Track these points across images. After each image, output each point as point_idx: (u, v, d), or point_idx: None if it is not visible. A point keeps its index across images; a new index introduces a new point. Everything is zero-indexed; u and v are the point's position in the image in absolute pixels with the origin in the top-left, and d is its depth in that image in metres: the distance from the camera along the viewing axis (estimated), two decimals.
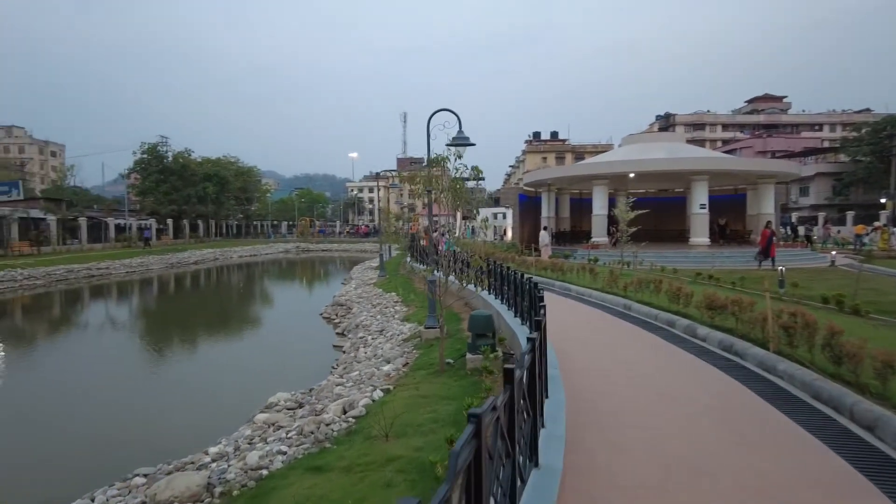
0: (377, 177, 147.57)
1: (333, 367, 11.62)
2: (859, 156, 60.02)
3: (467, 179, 8.86)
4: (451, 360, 8.86)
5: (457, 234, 45.47)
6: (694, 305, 9.93)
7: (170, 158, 67.81)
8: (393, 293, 18.14)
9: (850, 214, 49.05)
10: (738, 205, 34.11)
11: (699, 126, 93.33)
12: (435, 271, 13.34)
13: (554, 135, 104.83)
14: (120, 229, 54.56)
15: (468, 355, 8.39)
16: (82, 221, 48.83)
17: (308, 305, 24.97)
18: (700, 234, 27.54)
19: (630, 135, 33.38)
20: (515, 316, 9.88)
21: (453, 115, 10.89)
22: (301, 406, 8.58)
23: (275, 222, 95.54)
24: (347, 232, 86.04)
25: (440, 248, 37.64)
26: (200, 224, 69.27)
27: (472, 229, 47.82)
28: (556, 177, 31.17)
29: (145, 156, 66.20)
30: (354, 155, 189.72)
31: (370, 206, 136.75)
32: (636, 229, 18.68)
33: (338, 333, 15.90)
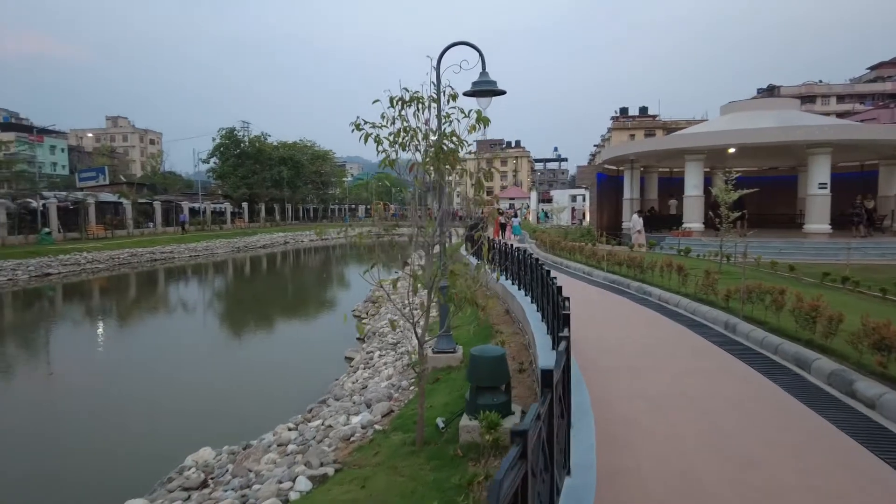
0: None
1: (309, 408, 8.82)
2: None
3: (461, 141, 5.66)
4: (444, 423, 5.86)
5: (527, 218, 41.96)
6: (847, 338, 6.18)
7: (246, 143, 68.57)
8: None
9: None
10: (866, 184, 28.32)
11: (809, 98, 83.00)
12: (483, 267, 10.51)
13: (643, 110, 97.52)
14: (194, 213, 55.34)
15: (464, 418, 5.36)
16: (156, 205, 49.59)
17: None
18: (818, 220, 22.58)
19: (732, 102, 28.36)
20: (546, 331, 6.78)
21: (475, 52, 7.74)
22: (205, 485, 5.91)
23: (352, 206, 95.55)
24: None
25: (508, 233, 34.51)
26: (276, 208, 69.65)
27: (546, 214, 43.96)
28: (641, 151, 26.90)
29: (223, 140, 67.29)
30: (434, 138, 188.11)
31: (448, 190, 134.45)
32: (739, 214, 14.62)
33: (358, 339, 13.26)
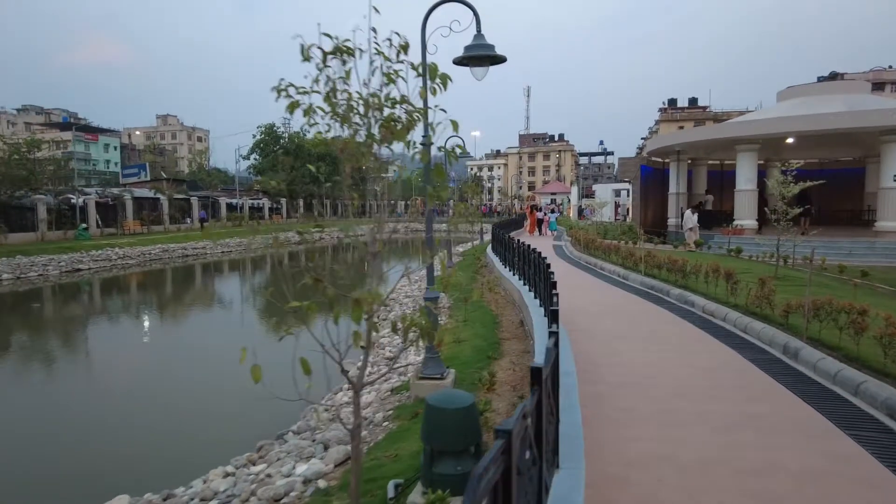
0: (497, 154, 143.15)
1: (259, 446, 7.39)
2: None
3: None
4: (397, 488, 4.46)
5: (568, 214, 40.00)
6: None
7: (286, 139, 68.86)
8: (442, 293, 13.96)
9: None
10: None
11: (878, 85, 77.16)
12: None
13: (692, 101, 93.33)
14: (232, 208, 55.57)
15: (418, 489, 3.98)
16: (194, 201, 49.86)
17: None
18: (892, 217, 20.05)
19: (791, 87, 25.76)
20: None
21: (469, 10, 6.30)
22: None
23: (392, 202, 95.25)
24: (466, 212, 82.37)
25: (545, 228, 32.82)
26: (315, 204, 69.57)
27: (581, 209, 41.84)
28: (689, 141, 24.71)
29: (263, 136, 67.75)
30: (477, 133, 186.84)
31: (489, 185, 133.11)
32: (802, 210, 12.67)
33: (361, 346, 11.98)
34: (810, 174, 14.61)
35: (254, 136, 68.67)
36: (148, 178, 56.01)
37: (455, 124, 3.81)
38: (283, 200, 64.02)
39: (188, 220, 48.68)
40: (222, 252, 39.18)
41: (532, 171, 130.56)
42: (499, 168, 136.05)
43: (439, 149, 9.85)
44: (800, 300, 7.16)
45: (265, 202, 61.69)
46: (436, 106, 3.68)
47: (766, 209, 14.36)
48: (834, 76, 78.03)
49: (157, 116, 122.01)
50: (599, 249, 17.16)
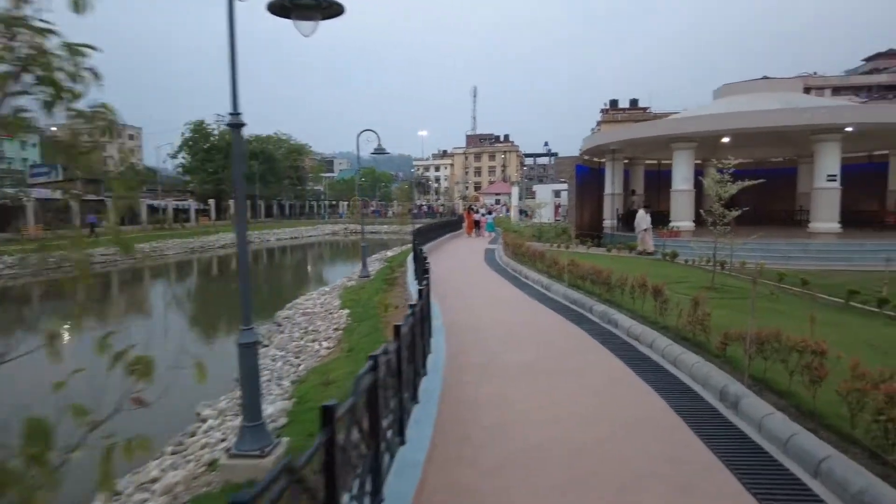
0: (444, 154, 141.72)
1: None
2: None
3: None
4: None
5: (508, 215, 38.83)
6: None
7: (216, 136, 65.19)
8: (347, 309, 12.04)
9: None
10: (875, 177, 25.34)
11: (804, 90, 79.93)
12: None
13: (633, 103, 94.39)
14: (154, 210, 51.86)
15: None
16: (109, 203, 46.00)
17: (261, 315, 18.99)
18: (826, 218, 19.49)
19: (727, 84, 25.17)
20: None
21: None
22: None
23: (333, 202, 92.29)
24: (402, 213, 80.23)
25: (482, 229, 31.48)
26: (248, 204, 66.11)
27: (523, 211, 40.79)
28: (624, 140, 23.68)
29: (192, 134, 63.85)
30: (424, 133, 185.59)
31: (436, 185, 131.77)
32: (739, 212, 11.49)
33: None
34: (745, 174, 13.62)
35: (182, 134, 64.69)
36: (60, 178, 51.47)
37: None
38: (212, 202, 60.42)
39: (103, 223, 44.86)
40: (134, 259, 35.86)
41: (478, 172, 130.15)
42: (445, 168, 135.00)
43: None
44: (740, 331, 5.69)
45: (191, 203, 57.97)
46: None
47: (701, 211, 13.20)
48: (765, 80, 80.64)
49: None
50: (525, 255, 15.66)
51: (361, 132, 15.83)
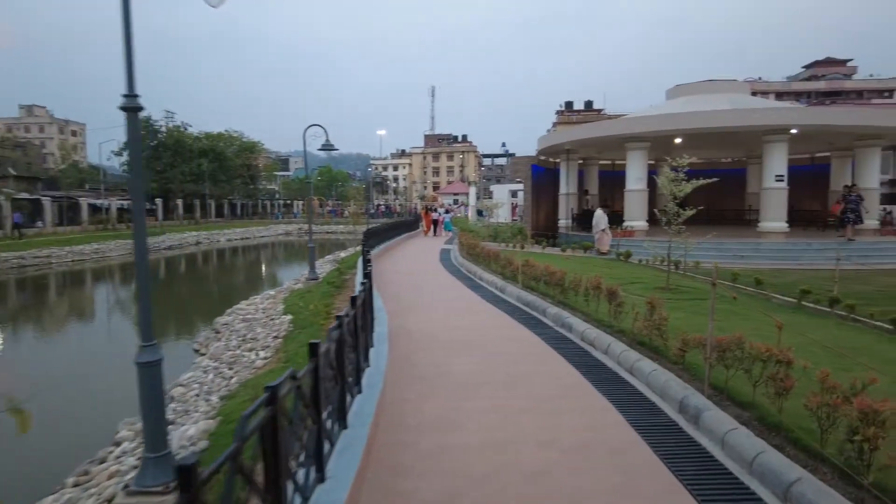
0: (402, 154, 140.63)
1: None
2: None
3: None
4: None
5: (466, 215, 38.45)
6: None
7: (164, 133, 62.64)
8: (290, 315, 11.32)
9: None
10: (818, 179, 26.09)
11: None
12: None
13: (588, 105, 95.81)
14: (96, 210, 49.31)
15: None
16: (46, 202, 43.45)
17: (200, 321, 17.90)
18: (775, 217, 19.80)
19: (679, 85, 25.43)
20: None
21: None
22: None
23: (287, 202, 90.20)
24: (356, 213, 78.79)
25: (440, 229, 31.09)
26: (197, 204, 63.72)
27: (480, 211, 40.58)
28: (578, 139, 23.59)
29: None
30: (382, 132, 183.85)
31: (394, 185, 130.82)
32: (694, 211, 11.34)
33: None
34: (697, 174, 13.55)
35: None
36: None
37: None
38: (159, 201, 57.94)
39: (40, 223, 42.37)
40: (73, 260, 33.85)
41: (437, 172, 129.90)
42: (404, 167, 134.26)
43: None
44: (699, 337, 5.35)
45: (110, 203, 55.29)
46: None
47: (655, 210, 13.06)
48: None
49: (20, 107, 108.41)
50: (480, 256, 15.25)
51: (308, 127, 15.10)
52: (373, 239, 19.32)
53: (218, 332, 12.05)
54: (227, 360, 9.30)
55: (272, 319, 11.73)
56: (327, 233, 60.84)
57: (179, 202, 60.40)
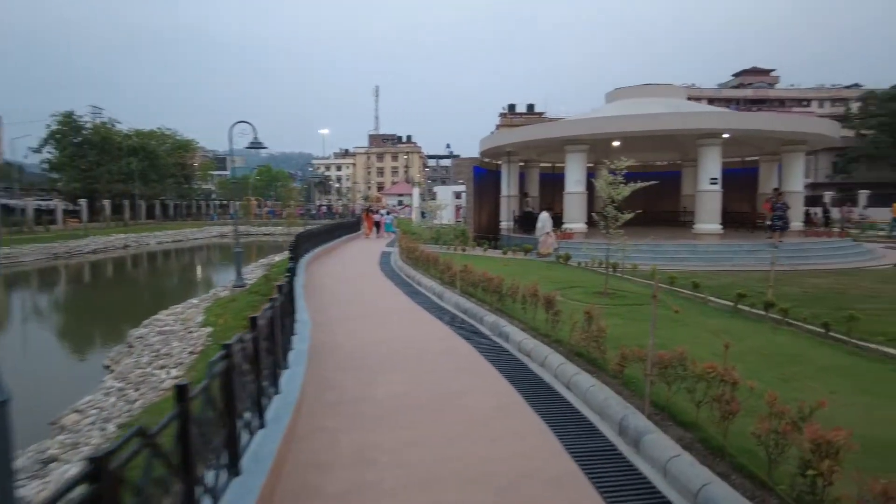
0: (346, 154, 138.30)
1: None
2: (863, 129, 54.18)
3: None
4: None
5: (409, 216, 37.69)
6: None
7: (90, 130, 58.90)
8: (211, 327, 10.46)
9: (862, 194, 42.64)
10: (747, 181, 27.01)
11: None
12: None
13: (530, 108, 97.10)
14: (9, 211, 45.78)
15: None
16: None
17: (113, 334, 16.46)
18: (709, 219, 20.23)
19: (618, 88, 25.74)
20: None
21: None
22: None
23: (223, 202, 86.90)
24: (291, 214, 76.43)
25: (382, 230, 30.48)
26: (126, 204, 60.26)
27: (423, 213, 40.15)
28: (519, 141, 23.47)
29: (60, 126, 57.12)
30: (325, 131, 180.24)
31: (338, 185, 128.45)
32: (632, 215, 11.22)
33: (51, 423, 8.04)
34: (634, 177, 13.53)
35: (48, 126, 57.73)
36: None
37: None
38: (84, 202, 54.46)
39: None
40: None
41: (381, 172, 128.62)
42: (347, 167, 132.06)
43: None
44: (639, 351, 5.01)
45: (58, 204, 51.83)
46: None
47: (594, 214, 12.91)
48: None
49: None
50: (420, 260, 14.73)
51: (235, 124, 14.16)
52: (307, 243, 18.46)
53: (131, 347, 11.02)
54: (134, 380, 8.40)
55: (190, 332, 10.82)
56: (265, 234, 58.90)
57: (107, 203, 56.96)
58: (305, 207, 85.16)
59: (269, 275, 15.67)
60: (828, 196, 45.11)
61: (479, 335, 8.28)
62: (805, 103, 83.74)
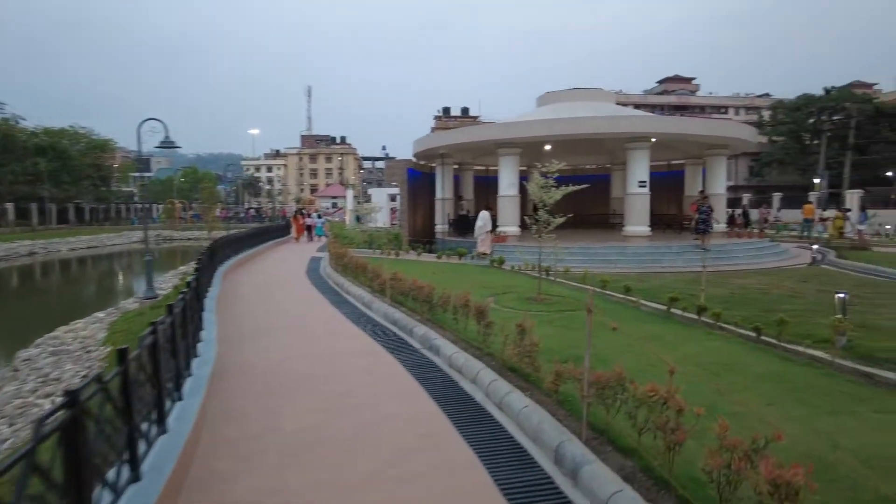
0: (277, 154, 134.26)
1: None
2: (774, 136, 57.66)
3: None
4: None
5: (344, 220, 36.48)
6: None
7: None
8: (112, 346, 9.40)
9: (776, 196, 45.15)
10: (674, 185, 27.83)
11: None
12: None
13: (465, 111, 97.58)
14: None
15: None
16: None
17: (5, 353, 14.98)
18: (638, 222, 20.52)
19: (549, 92, 25.86)
20: None
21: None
22: None
23: (146, 205, 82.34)
24: (226, 216, 73.27)
25: (312, 233, 29.39)
26: (34, 208, 55.69)
27: (357, 216, 39.24)
28: (453, 143, 23.09)
29: None
30: (255, 131, 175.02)
31: (268, 187, 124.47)
32: (564, 219, 10.99)
33: None
34: (565, 181, 13.38)
35: None
36: None
37: None
38: None
39: None
40: None
41: (314, 174, 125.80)
42: (279, 169, 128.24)
43: None
44: (575, 370, 4.61)
45: None
46: None
47: (526, 217, 12.64)
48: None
49: None
50: (349, 267, 14.02)
51: (143, 122, 12.95)
52: (228, 249, 17.35)
53: (16, 371, 9.73)
54: (10, 413, 7.29)
55: (89, 352, 9.69)
56: (189, 239, 55.98)
57: (10, 206, 52.45)
58: (234, 210, 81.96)
59: (179, 286, 14.50)
60: (746, 198, 47.54)
61: (407, 349, 7.73)
62: (723, 110, 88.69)
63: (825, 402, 5.27)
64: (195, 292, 7.00)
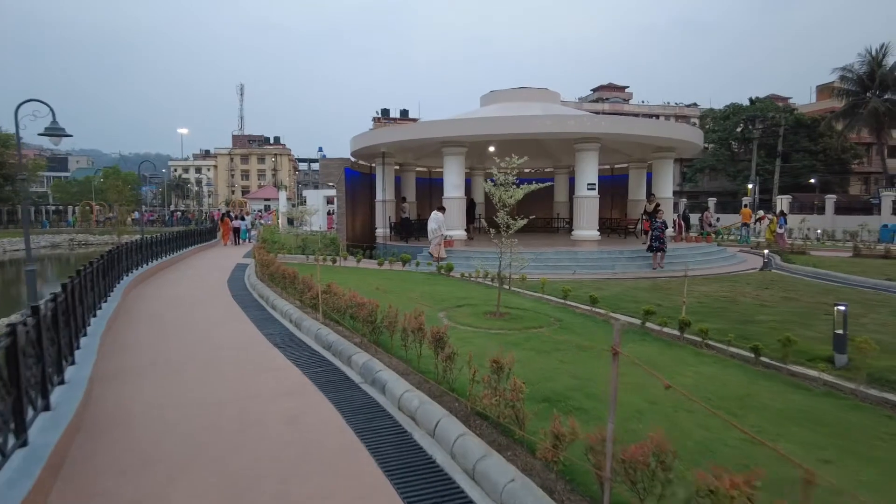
0: (207, 155, 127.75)
1: None
2: (706, 143, 59.53)
3: None
4: None
5: (274, 222, 34.06)
6: None
7: None
8: None
9: (712, 201, 46.19)
10: (617, 188, 27.44)
11: None
12: None
13: (404, 113, 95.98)
14: None
15: None
16: None
17: None
18: (588, 226, 19.67)
19: (493, 91, 24.74)
20: None
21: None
22: None
23: (59, 207, 75.99)
24: (149, 220, 68.25)
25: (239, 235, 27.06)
26: None
27: (290, 220, 36.97)
28: (393, 141, 21.52)
29: None
30: (184, 130, 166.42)
31: (196, 189, 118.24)
32: (525, 220, 9.73)
33: None
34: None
35: None
36: None
37: None
38: None
39: None
40: None
41: (246, 175, 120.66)
42: (209, 170, 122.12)
43: None
44: (591, 436, 3.22)
45: None
46: None
47: (482, 219, 11.31)
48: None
49: None
50: (276, 276, 12.22)
51: (21, 104, 10.68)
52: (138, 255, 15.10)
53: None
54: None
55: None
56: (107, 244, 51.68)
57: None
58: (159, 213, 76.87)
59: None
60: (682, 203, 48.45)
61: (344, 384, 6.16)
62: (655, 118, 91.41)
63: (886, 454, 4.16)
64: (53, 315, 5.20)
